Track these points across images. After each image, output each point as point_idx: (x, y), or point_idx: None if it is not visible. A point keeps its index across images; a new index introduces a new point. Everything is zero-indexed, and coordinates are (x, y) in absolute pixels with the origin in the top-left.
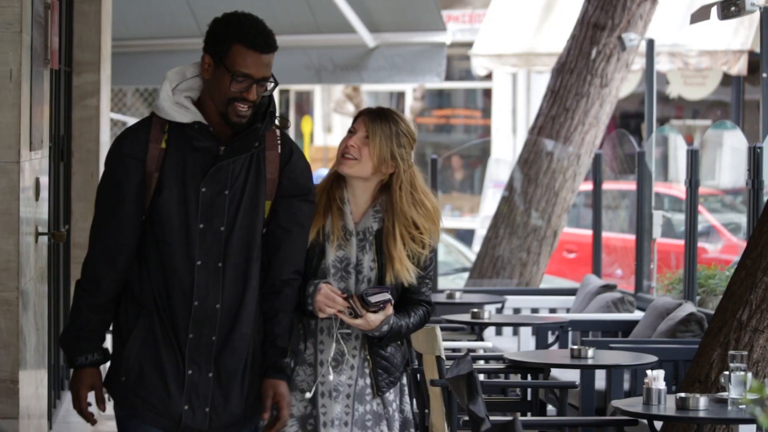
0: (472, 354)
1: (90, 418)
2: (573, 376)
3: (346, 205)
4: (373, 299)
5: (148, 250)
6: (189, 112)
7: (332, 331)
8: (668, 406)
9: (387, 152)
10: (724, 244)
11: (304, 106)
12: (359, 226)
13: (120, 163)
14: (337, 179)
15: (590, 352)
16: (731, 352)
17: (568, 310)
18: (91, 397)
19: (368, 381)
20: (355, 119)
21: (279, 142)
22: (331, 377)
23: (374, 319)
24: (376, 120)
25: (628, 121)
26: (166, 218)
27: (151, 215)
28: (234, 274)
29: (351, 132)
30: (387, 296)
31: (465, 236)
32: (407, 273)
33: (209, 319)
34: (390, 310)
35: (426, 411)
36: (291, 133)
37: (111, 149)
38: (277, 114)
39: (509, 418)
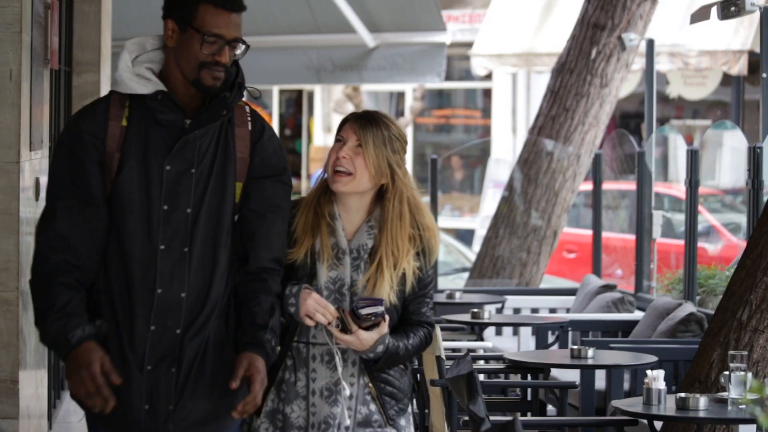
0: (472, 354)
1: (109, 396)
2: (573, 376)
3: (338, 221)
4: (364, 311)
5: (107, 239)
6: (150, 83)
7: (325, 357)
8: (668, 406)
9: (383, 161)
10: (724, 244)
11: (306, 106)
12: (352, 244)
13: (78, 141)
14: (325, 192)
15: (590, 352)
16: (731, 352)
17: (568, 310)
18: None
19: (372, 408)
20: (341, 126)
21: (249, 118)
22: (347, 392)
23: (366, 337)
24: (367, 126)
25: (628, 121)
26: (126, 199)
27: (110, 199)
28: (200, 260)
29: (339, 141)
30: (380, 309)
31: (465, 236)
32: (391, 293)
33: (174, 310)
34: (385, 328)
35: (426, 411)
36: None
37: (65, 130)
38: (247, 85)
39: (509, 418)
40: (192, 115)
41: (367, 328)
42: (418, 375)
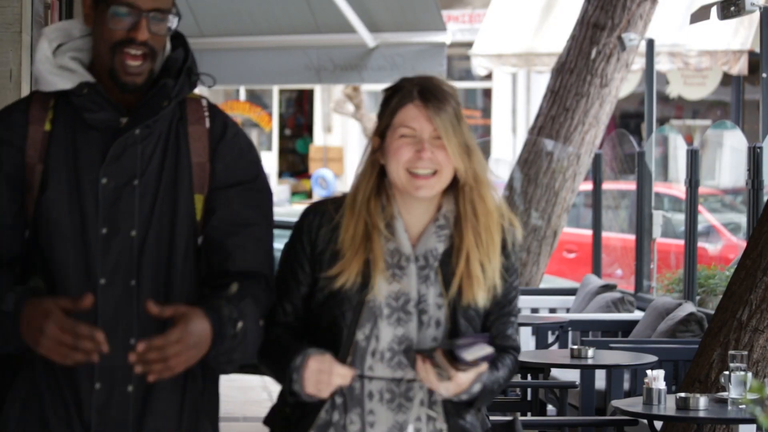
0: None
1: (92, 332)
2: (573, 376)
3: (398, 221)
4: (469, 355)
5: (33, 272)
6: (75, 75)
7: (385, 395)
8: (668, 406)
9: (463, 146)
10: (724, 244)
11: (306, 105)
12: (419, 249)
13: None
14: (377, 193)
15: (590, 352)
16: (731, 352)
17: (568, 310)
18: None
19: None
20: (397, 108)
21: (206, 114)
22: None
23: (465, 380)
24: (440, 108)
25: (628, 121)
26: (54, 223)
27: (35, 222)
28: (152, 295)
29: (406, 135)
30: (489, 350)
31: None
32: (481, 296)
33: (122, 361)
34: (484, 364)
35: None
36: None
37: None
38: (199, 71)
39: (509, 418)
40: (131, 112)
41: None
42: None
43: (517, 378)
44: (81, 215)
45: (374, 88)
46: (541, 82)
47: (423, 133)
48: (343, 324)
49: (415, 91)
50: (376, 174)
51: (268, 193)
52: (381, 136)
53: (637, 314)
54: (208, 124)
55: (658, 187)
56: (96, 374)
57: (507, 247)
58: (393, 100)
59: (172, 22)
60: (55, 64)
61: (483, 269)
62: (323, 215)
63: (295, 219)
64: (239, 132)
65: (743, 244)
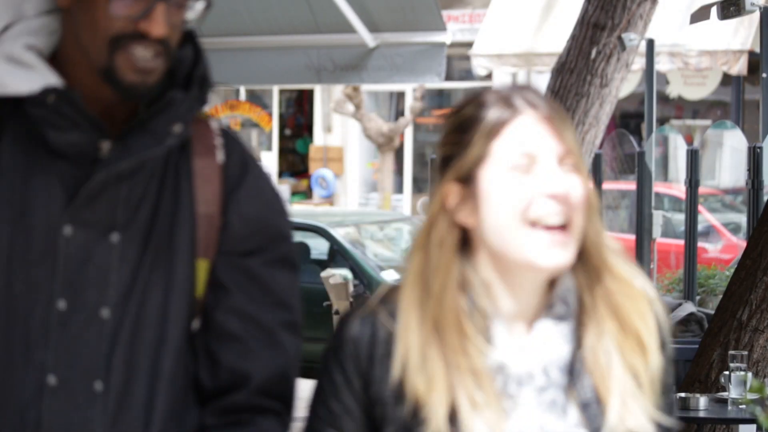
0: None
1: None
2: None
3: (494, 322)
4: None
5: None
6: (34, 73)
7: None
8: None
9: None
10: (724, 244)
11: (306, 105)
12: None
13: None
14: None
15: None
16: (731, 352)
17: None
18: None
19: None
20: (495, 129)
21: (220, 142)
22: None
23: None
24: (563, 117)
25: (628, 121)
26: None
27: None
28: (127, 405)
29: (520, 166)
30: None
31: None
32: (642, 419)
33: None
34: None
35: None
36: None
37: None
38: (212, 80)
39: None
40: (114, 134)
41: None
42: None
43: None
44: (26, 279)
45: (374, 88)
46: (541, 82)
47: (549, 157)
48: None
49: (519, 99)
50: (455, 251)
51: (297, 264)
52: (463, 181)
53: None
54: (221, 157)
55: (658, 187)
56: None
57: (663, 336)
58: (479, 119)
59: (198, 6)
60: (2, 54)
61: (638, 378)
62: (375, 326)
63: (294, 219)
64: (262, 171)
65: (743, 244)
